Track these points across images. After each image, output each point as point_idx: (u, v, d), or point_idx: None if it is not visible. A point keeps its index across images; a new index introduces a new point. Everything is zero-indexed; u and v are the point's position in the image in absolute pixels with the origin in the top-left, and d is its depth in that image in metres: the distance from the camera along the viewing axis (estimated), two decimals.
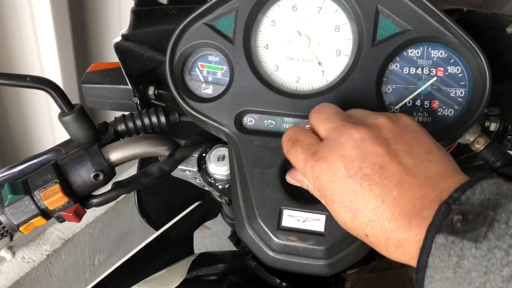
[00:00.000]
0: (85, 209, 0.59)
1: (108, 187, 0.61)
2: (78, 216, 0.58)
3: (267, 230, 0.54)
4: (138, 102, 0.73)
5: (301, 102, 0.57)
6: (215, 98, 0.59)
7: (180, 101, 0.59)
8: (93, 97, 0.80)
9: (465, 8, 0.61)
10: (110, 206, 1.64)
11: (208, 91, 0.61)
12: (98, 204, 0.60)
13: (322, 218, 0.54)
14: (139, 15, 0.62)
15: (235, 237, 0.92)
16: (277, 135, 0.57)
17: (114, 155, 0.60)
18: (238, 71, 0.58)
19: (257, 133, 0.57)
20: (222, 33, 0.58)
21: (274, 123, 0.58)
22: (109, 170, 0.60)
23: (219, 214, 1.02)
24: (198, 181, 0.72)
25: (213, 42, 0.58)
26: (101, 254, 1.68)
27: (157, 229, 0.86)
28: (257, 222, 0.54)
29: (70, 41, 1.24)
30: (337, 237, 0.53)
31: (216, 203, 0.99)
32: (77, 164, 0.58)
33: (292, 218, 0.54)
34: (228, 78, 0.59)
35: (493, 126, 0.70)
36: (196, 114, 0.58)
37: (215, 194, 0.77)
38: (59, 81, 1.26)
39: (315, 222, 0.54)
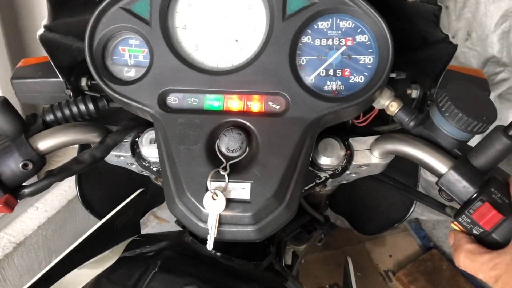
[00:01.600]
0: (17, 200, 0.60)
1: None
2: (9, 206, 0.58)
3: (196, 203, 0.56)
4: (71, 94, 0.73)
5: (222, 78, 0.59)
6: (137, 80, 0.60)
7: (102, 85, 0.60)
8: (25, 92, 0.80)
9: None
10: (62, 205, 1.62)
11: (131, 74, 0.62)
12: (31, 193, 0.60)
13: (247, 186, 0.56)
14: (56, 3, 0.62)
15: (180, 222, 0.94)
16: (201, 112, 0.60)
17: (42, 144, 0.61)
18: (157, 52, 0.60)
19: (181, 111, 0.60)
20: (139, 16, 0.60)
21: (197, 100, 0.60)
22: (38, 159, 0.60)
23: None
24: (134, 166, 0.73)
25: (131, 25, 0.60)
26: (57, 255, 1.65)
27: (101, 219, 0.87)
28: (186, 196, 0.56)
29: (1, 37, 1.22)
30: (262, 202, 0.55)
31: (161, 189, 1.01)
32: (4, 155, 0.58)
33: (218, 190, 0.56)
34: (149, 60, 0.61)
35: (414, 94, 0.74)
36: (119, 97, 0.60)
37: (152, 177, 0.79)
38: None
39: (241, 190, 0.56)
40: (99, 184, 0.92)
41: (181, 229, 0.93)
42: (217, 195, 0.56)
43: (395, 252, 2.13)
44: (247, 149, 0.58)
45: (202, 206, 0.56)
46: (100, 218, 0.93)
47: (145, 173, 0.76)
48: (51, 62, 0.70)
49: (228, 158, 0.57)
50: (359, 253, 2.16)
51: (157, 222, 2.15)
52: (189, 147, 0.57)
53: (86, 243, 0.81)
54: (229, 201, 0.56)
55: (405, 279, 1.99)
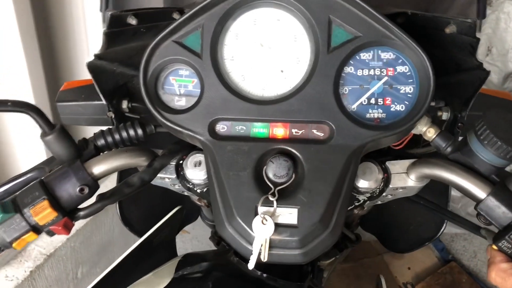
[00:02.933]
0: (73, 222, 0.63)
1: (92, 199, 0.65)
2: (67, 228, 0.61)
3: (245, 226, 0.58)
4: (113, 116, 0.76)
5: (268, 108, 0.62)
6: (188, 109, 0.63)
7: (156, 114, 0.63)
8: (69, 114, 0.84)
9: (409, 11, 0.68)
10: (89, 218, 1.66)
11: (181, 103, 0.65)
12: (85, 216, 0.63)
13: (294, 211, 0.59)
14: (111, 36, 0.66)
15: (215, 238, 0.97)
16: (248, 139, 0.63)
17: (97, 169, 0.64)
18: (207, 83, 0.63)
19: (229, 138, 0.62)
20: (190, 48, 0.63)
21: (244, 128, 0.63)
22: (93, 183, 0.63)
23: (199, 217, 1.07)
24: (177, 187, 0.76)
25: (183, 57, 0.63)
26: (83, 266, 1.69)
27: (140, 237, 0.90)
28: (236, 220, 0.59)
29: (40, 64, 1.26)
30: (308, 227, 0.58)
31: (195, 206, 1.04)
32: (63, 180, 0.61)
33: (267, 214, 0.59)
34: (199, 90, 0.64)
35: (444, 116, 0.77)
36: (172, 125, 0.63)
37: (194, 198, 0.81)
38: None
39: (288, 215, 0.59)
40: (137, 202, 0.96)
41: (214, 246, 0.96)
42: (266, 220, 0.58)
43: (414, 264, 2.14)
44: (294, 175, 0.60)
45: (251, 229, 0.58)
46: (139, 235, 0.96)
47: (185, 193, 0.79)
48: (96, 87, 0.73)
49: (275, 184, 0.60)
50: (377, 265, 2.17)
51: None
52: (238, 173, 0.60)
53: (127, 259, 0.84)
54: (277, 226, 0.58)
55: None
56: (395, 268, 2.11)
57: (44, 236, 1.53)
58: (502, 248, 0.60)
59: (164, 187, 0.79)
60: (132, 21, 0.66)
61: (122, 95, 0.78)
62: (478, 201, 0.62)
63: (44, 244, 1.50)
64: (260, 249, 0.59)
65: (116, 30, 0.67)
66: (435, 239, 0.90)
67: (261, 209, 0.59)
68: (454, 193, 1.68)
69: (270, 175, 0.60)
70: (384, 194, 0.72)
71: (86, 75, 0.74)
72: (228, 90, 0.62)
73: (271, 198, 0.59)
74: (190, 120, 0.63)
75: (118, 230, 1.86)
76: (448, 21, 0.64)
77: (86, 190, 0.62)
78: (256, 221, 0.58)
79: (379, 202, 0.78)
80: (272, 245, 0.59)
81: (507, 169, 0.64)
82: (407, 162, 0.71)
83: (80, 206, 0.65)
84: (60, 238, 1.55)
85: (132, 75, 0.79)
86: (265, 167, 0.61)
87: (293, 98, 0.62)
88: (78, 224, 1.62)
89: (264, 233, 0.58)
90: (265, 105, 0.62)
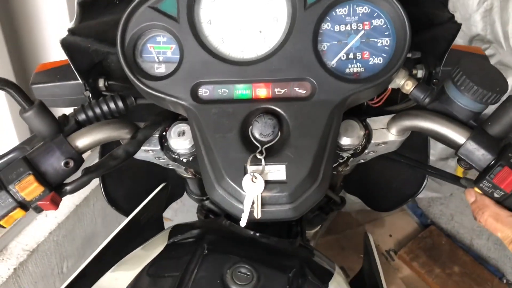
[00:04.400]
0: (61, 197, 0.62)
1: (78, 174, 0.64)
2: (55, 203, 0.61)
3: (235, 186, 0.59)
4: (90, 96, 0.75)
5: (249, 68, 0.63)
6: (169, 75, 0.63)
7: (136, 82, 0.62)
8: (45, 96, 0.82)
9: None
10: (70, 211, 1.64)
11: (161, 70, 0.65)
12: (73, 190, 0.63)
13: (282, 168, 0.60)
14: (85, 7, 0.65)
15: (203, 211, 0.97)
16: (232, 101, 0.63)
17: (81, 142, 0.63)
18: (186, 47, 0.62)
19: (213, 102, 0.63)
20: (167, 13, 0.62)
21: (227, 91, 0.63)
22: (78, 156, 0.63)
23: (184, 193, 1.07)
24: (162, 160, 0.76)
25: (160, 23, 0.62)
26: (68, 260, 1.67)
27: (127, 216, 0.89)
28: (226, 181, 0.60)
29: (4, 49, 1.23)
30: (297, 182, 0.59)
31: (180, 183, 1.04)
32: (46, 154, 0.61)
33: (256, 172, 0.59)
34: (178, 56, 0.64)
35: (420, 73, 0.78)
36: (153, 92, 0.63)
37: (180, 170, 0.81)
38: None
39: (277, 172, 0.60)
40: (121, 181, 0.95)
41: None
42: (256, 178, 0.59)
43: (395, 231, 2.19)
44: (279, 133, 0.61)
45: (242, 188, 0.59)
46: (125, 215, 0.96)
47: (170, 166, 0.79)
48: (71, 65, 0.72)
49: (262, 143, 0.61)
50: (360, 236, 2.21)
51: None
52: (225, 135, 0.61)
53: (116, 240, 0.84)
54: (267, 183, 0.59)
55: (407, 257, 2.06)
56: (377, 237, 2.16)
57: (25, 232, 1.52)
58: (483, 189, 0.63)
59: (147, 164, 0.79)
60: None
61: (98, 74, 0.77)
62: (458, 147, 0.64)
63: (26, 240, 1.47)
64: (253, 208, 0.60)
65: (89, 0, 0.66)
66: (417, 194, 0.93)
67: (250, 168, 0.59)
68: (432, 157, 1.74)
69: (256, 135, 0.61)
70: (366, 150, 0.74)
71: (53, 56, 0.72)
72: (208, 53, 0.62)
73: (259, 156, 0.60)
74: (172, 85, 0.62)
75: (101, 221, 1.83)
76: None
77: (71, 164, 0.61)
78: (246, 179, 0.59)
79: (362, 161, 0.80)
80: (263, 202, 0.59)
81: None
82: (387, 118, 0.73)
83: (67, 181, 0.64)
84: (42, 233, 1.52)
85: (107, 52, 0.78)
86: (250, 127, 0.61)
87: (273, 57, 0.62)
88: (59, 218, 1.59)
89: (254, 190, 0.59)
90: (246, 66, 0.63)
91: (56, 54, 1.33)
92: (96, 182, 0.95)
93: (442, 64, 0.76)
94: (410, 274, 2.05)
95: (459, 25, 0.72)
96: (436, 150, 1.78)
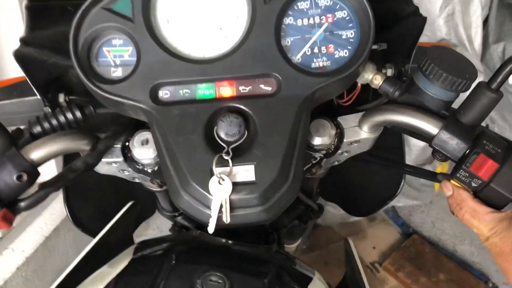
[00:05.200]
0: (15, 214, 0.58)
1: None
2: (8, 221, 0.56)
3: (201, 190, 0.56)
4: (50, 112, 0.71)
5: (211, 67, 0.60)
6: (126, 77, 0.60)
7: (92, 86, 0.59)
8: (2, 115, 0.78)
9: None
10: (39, 243, 1.56)
11: (118, 73, 0.62)
12: (28, 206, 0.58)
13: (251, 168, 0.57)
14: (34, 12, 0.62)
15: (176, 228, 0.93)
16: (194, 101, 0.60)
17: (35, 154, 0.59)
18: (143, 48, 0.59)
19: (174, 103, 0.59)
20: (121, 14, 0.59)
21: (189, 91, 0.60)
22: (32, 170, 0.58)
23: (156, 211, 1.02)
24: (127, 173, 0.72)
25: (114, 24, 0.59)
26: None
27: (94, 237, 0.84)
28: (191, 186, 0.56)
29: None
30: (267, 182, 0.56)
31: (151, 200, 0.99)
32: None
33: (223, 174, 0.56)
34: (135, 58, 0.61)
35: (389, 72, 0.77)
36: (110, 97, 0.59)
37: (147, 183, 0.77)
38: None
39: (245, 173, 0.57)
40: (87, 201, 0.90)
41: None
42: (223, 180, 0.55)
43: (378, 243, 2.16)
44: (246, 132, 0.58)
45: (208, 192, 0.55)
46: (93, 236, 0.90)
47: (136, 180, 0.75)
48: (28, 79, 0.68)
49: (228, 143, 0.57)
50: (343, 249, 2.18)
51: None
52: (188, 137, 0.57)
53: (82, 264, 0.79)
54: (235, 185, 0.56)
55: (392, 268, 2.03)
56: (360, 249, 2.13)
57: None
58: (461, 179, 0.61)
59: (115, 181, 0.75)
60: None
61: (58, 88, 0.73)
62: (431, 138, 0.62)
63: None
64: (221, 213, 0.56)
65: (39, 5, 0.62)
66: (395, 196, 0.91)
67: (216, 170, 0.56)
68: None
69: (222, 135, 0.58)
70: (339, 150, 0.71)
71: (11, 73, 0.69)
72: (166, 53, 0.59)
73: (225, 157, 0.56)
74: (130, 88, 0.59)
75: (73, 252, 1.75)
76: None
77: (25, 177, 0.57)
78: (213, 182, 0.55)
79: (336, 163, 0.77)
80: (232, 206, 0.56)
81: None
82: (358, 115, 0.71)
83: (21, 197, 0.60)
84: (8, 269, 1.44)
85: (66, 65, 0.74)
86: (215, 127, 0.58)
87: (235, 54, 0.60)
88: (27, 251, 1.51)
89: (222, 193, 0.55)
90: (207, 64, 0.60)
91: (15, 72, 1.28)
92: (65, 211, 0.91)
93: (411, 61, 0.75)
94: (397, 285, 2.02)
95: (425, 18, 0.72)
96: (411, 156, 1.78)
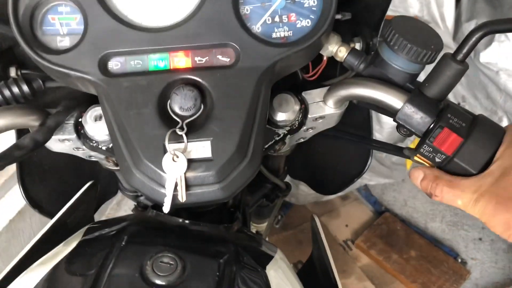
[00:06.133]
0: None
1: None
2: None
3: (154, 167, 0.52)
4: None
5: (164, 35, 0.56)
6: (73, 47, 0.56)
7: (35, 56, 0.55)
8: None
9: None
10: (3, 226, 1.51)
11: (65, 43, 0.57)
12: None
13: (207, 144, 0.54)
14: None
15: (139, 208, 0.90)
16: (147, 73, 0.56)
17: None
18: (91, 15, 0.55)
19: (125, 75, 0.56)
20: None
21: (141, 62, 0.56)
22: None
23: (118, 191, 0.99)
24: (81, 151, 0.68)
25: None
26: None
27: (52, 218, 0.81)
28: (143, 163, 0.53)
29: None
30: (224, 158, 0.53)
31: (112, 180, 0.96)
32: None
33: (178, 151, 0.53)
34: (83, 26, 0.56)
35: (357, 46, 0.75)
36: (56, 68, 0.55)
37: (103, 161, 0.74)
38: None
39: (201, 149, 0.54)
40: (45, 181, 0.86)
41: None
42: (177, 156, 0.52)
43: (350, 221, 2.18)
44: (202, 105, 0.55)
45: (162, 170, 0.52)
46: (51, 217, 0.87)
47: (93, 158, 0.71)
48: None
49: (183, 118, 0.54)
50: None
51: None
52: (139, 111, 0.54)
53: (38, 246, 0.75)
54: (190, 162, 0.53)
55: (364, 245, 2.04)
56: (333, 227, 2.14)
57: None
58: (424, 154, 0.59)
59: (73, 161, 0.72)
60: None
61: (9, 62, 0.68)
62: (396, 112, 0.60)
63: None
64: (176, 191, 0.53)
65: None
66: (363, 173, 0.89)
67: (170, 146, 0.53)
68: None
69: (176, 109, 0.54)
70: (304, 127, 0.69)
71: None
72: (116, 21, 0.55)
73: (179, 133, 0.53)
74: (76, 58, 0.55)
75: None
76: None
77: None
78: (166, 159, 0.52)
79: (302, 140, 0.75)
80: (188, 184, 0.53)
81: None
82: (323, 90, 0.69)
83: None
84: None
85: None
86: (169, 101, 0.55)
87: (190, 22, 0.56)
88: None
89: (176, 170, 0.52)
90: (161, 33, 0.56)
91: None
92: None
93: (379, 35, 0.72)
94: (369, 262, 2.04)
95: None
96: (383, 134, 1.77)
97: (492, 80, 1.75)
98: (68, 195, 0.84)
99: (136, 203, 0.93)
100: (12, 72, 0.68)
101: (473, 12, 1.86)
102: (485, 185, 0.54)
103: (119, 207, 2.06)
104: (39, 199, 0.85)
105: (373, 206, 2.23)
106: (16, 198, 1.57)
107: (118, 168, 0.74)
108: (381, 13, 0.70)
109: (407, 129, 0.61)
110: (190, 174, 0.53)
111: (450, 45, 1.69)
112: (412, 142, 1.83)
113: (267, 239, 1.32)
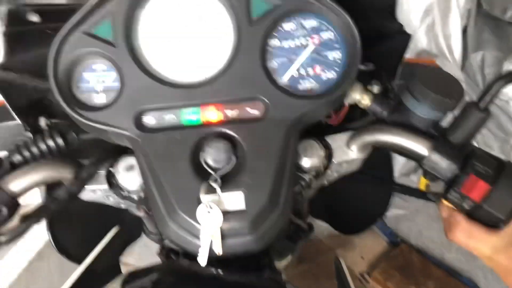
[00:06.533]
0: None
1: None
2: None
3: (189, 219, 0.54)
4: (32, 137, 0.69)
5: (196, 91, 0.58)
6: (110, 104, 0.58)
7: (73, 114, 0.57)
8: None
9: None
10: (21, 268, 1.51)
11: (101, 99, 0.60)
12: (8, 241, 0.56)
13: (240, 195, 0.55)
14: (12, 38, 0.60)
15: (163, 252, 0.91)
16: (180, 127, 0.58)
17: (14, 185, 0.57)
18: (127, 73, 0.58)
19: (159, 130, 0.58)
20: (103, 38, 0.58)
21: (174, 117, 0.59)
22: (11, 201, 0.56)
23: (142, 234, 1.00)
24: (112, 200, 0.70)
25: (96, 49, 0.58)
26: None
27: (79, 264, 0.82)
28: (178, 214, 0.54)
29: None
30: (257, 209, 0.54)
31: (137, 223, 0.97)
32: None
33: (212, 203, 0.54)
34: (119, 83, 0.59)
35: (375, 89, 0.76)
36: (93, 124, 0.57)
37: (132, 209, 0.75)
38: None
39: (235, 201, 0.55)
40: (71, 227, 0.87)
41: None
42: (211, 208, 0.54)
43: (366, 253, 2.16)
44: (235, 158, 0.56)
45: (196, 221, 0.54)
46: (78, 263, 0.88)
47: (122, 206, 0.72)
48: (7, 104, 0.66)
49: (216, 170, 0.56)
50: (332, 261, 2.17)
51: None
52: (174, 164, 0.56)
53: None
54: (225, 213, 0.54)
55: (381, 278, 2.02)
56: (349, 260, 2.11)
57: None
58: (453, 200, 0.60)
59: (99, 206, 0.73)
60: (34, 17, 0.60)
61: (39, 113, 0.71)
62: (421, 158, 0.61)
63: None
64: (212, 243, 0.54)
65: (17, 30, 0.60)
66: (385, 213, 0.90)
67: (204, 197, 0.54)
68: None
69: (210, 161, 0.56)
70: (329, 171, 0.70)
71: None
72: (150, 78, 0.58)
73: (213, 185, 0.55)
74: (113, 115, 0.57)
75: (58, 275, 1.70)
76: None
77: (4, 211, 0.55)
78: (200, 210, 0.54)
79: (326, 183, 0.76)
80: (222, 235, 0.54)
81: None
82: (346, 135, 0.70)
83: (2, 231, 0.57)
84: None
85: (47, 88, 0.72)
86: (202, 154, 0.57)
87: (221, 78, 0.59)
88: (10, 279, 1.47)
89: (211, 222, 0.53)
90: (192, 89, 0.58)
91: None
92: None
93: (398, 78, 0.74)
94: None
95: (409, 35, 0.72)
96: (396, 166, 1.78)
97: (502, 109, 1.76)
98: (94, 239, 0.85)
99: (160, 246, 0.94)
100: (42, 122, 0.70)
101: (479, 42, 1.89)
102: (503, 245, 0.57)
103: (146, 247, 2.05)
104: (66, 244, 0.87)
105: (388, 238, 2.21)
106: (34, 239, 1.57)
107: (147, 215, 0.75)
108: (398, 56, 0.72)
109: (433, 175, 0.62)
110: (224, 226, 0.54)
111: (459, 77, 1.71)
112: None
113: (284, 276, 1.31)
